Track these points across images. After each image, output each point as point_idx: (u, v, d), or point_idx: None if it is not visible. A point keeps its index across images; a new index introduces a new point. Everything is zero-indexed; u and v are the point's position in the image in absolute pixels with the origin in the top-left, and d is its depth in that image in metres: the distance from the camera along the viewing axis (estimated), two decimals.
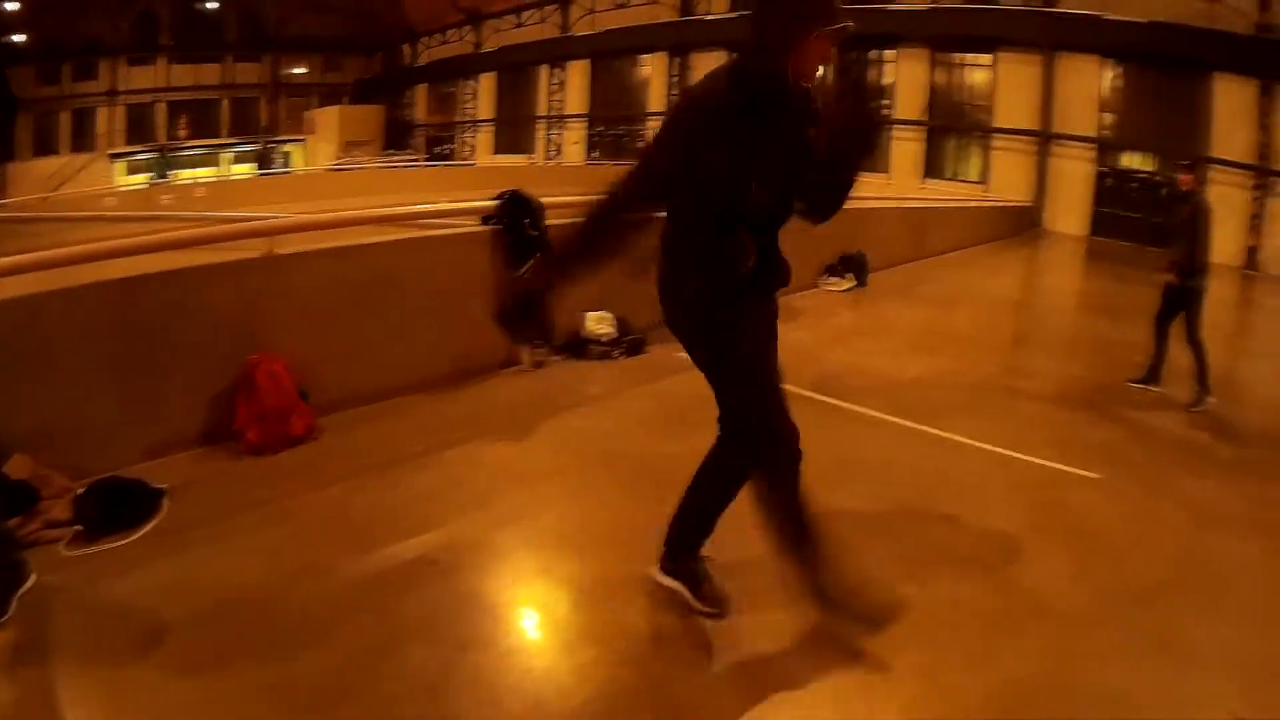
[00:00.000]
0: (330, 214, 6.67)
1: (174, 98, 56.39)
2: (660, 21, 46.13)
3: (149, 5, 53.03)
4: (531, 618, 4.23)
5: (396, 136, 58.83)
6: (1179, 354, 9.50)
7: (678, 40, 45.26)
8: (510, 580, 4.55)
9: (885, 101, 40.14)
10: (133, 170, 52.51)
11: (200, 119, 56.82)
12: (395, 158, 50.67)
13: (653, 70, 47.46)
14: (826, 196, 3.83)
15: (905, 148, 39.26)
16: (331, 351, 6.21)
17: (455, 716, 3.50)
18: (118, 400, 5.31)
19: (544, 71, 51.72)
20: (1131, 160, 36.21)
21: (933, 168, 38.94)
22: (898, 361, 9.71)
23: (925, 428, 7.45)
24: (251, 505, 4.86)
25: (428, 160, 51.28)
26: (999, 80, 37.48)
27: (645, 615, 4.18)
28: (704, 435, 6.21)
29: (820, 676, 3.91)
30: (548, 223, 7.81)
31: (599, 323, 8.37)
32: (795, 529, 4.00)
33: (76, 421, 5.22)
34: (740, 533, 4.22)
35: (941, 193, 27.34)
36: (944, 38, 38.20)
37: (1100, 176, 35.64)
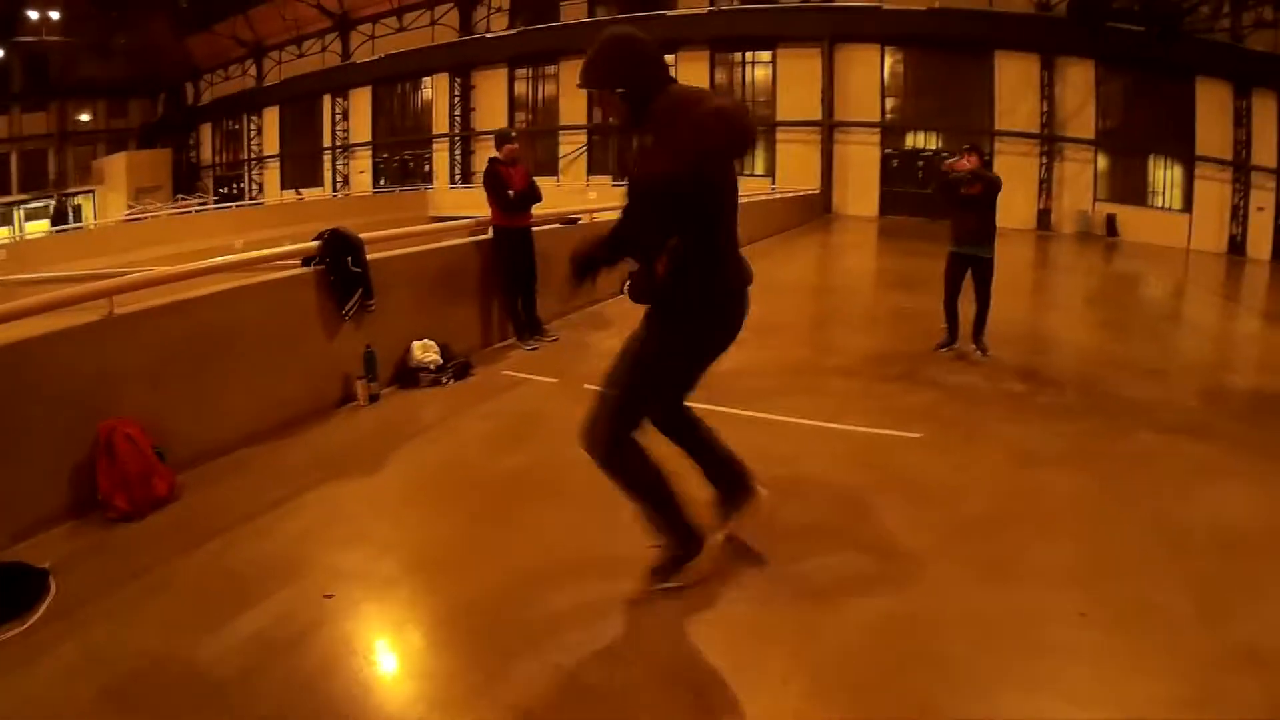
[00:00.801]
0: (163, 269, 6.60)
1: None
2: (440, 43, 46.24)
3: None
4: (442, 636, 4.38)
5: (185, 180, 56.21)
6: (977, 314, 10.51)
7: (458, 60, 45.57)
8: (407, 604, 4.70)
9: None
10: None
11: None
12: (186, 202, 48.44)
13: (435, 92, 47.51)
14: None
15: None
16: (179, 408, 6.19)
17: None
18: None
19: (327, 101, 50.92)
20: (916, 140, 37.80)
21: None
22: (722, 355, 10.09)
23: (751, 413, 7.89)
24: (136, 574, 4.84)
25: (216, 202, 49.22)
26: (780, 75, 38.65)
27: (540, 614, 4.45)
28: (542, 446, 6.73)
29: (712, 630, 4.40)
30: (369, 257, 7.96)
31: (425, 350, 8.55)
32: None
33: None
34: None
35: None
36: (724, 39, 39.09)
37: (886, 158, 37.19)
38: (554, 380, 8.84)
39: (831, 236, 29.28)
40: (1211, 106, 34.52)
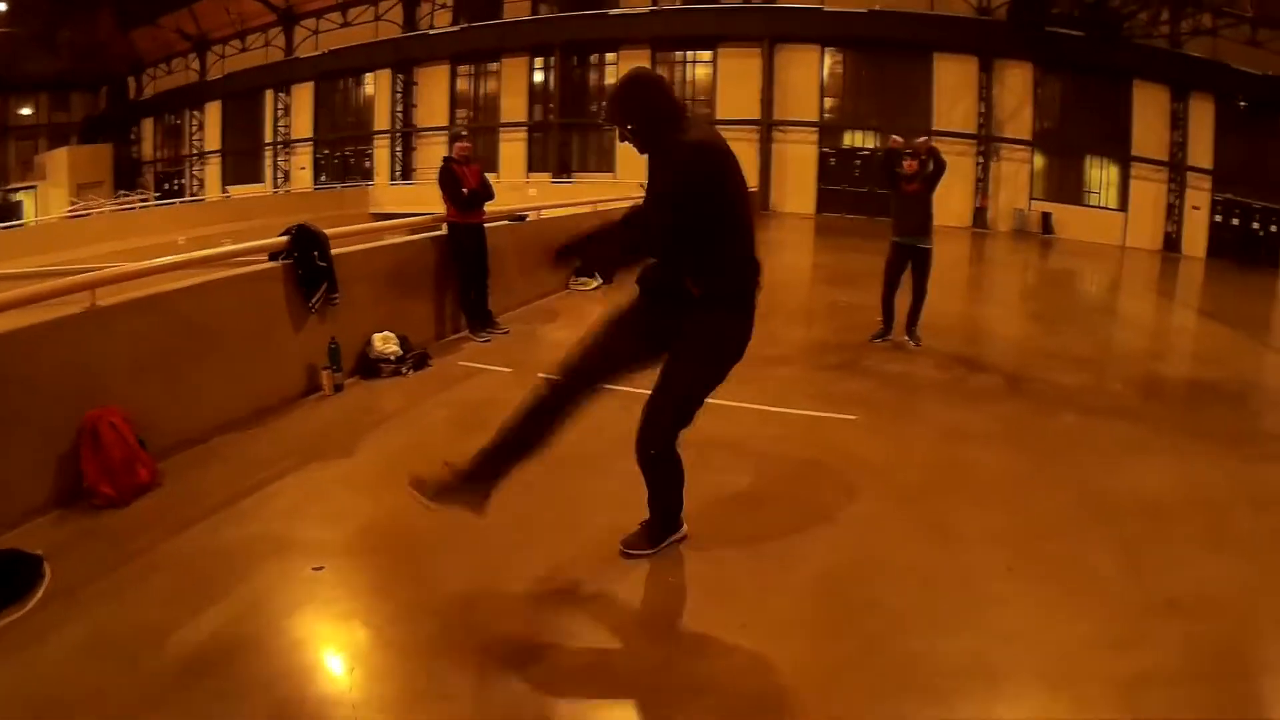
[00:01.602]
0: (142, 263, 6.72)
1: None
2: (383, 39, 45.80)
3: None
4: (426, 599, 4.62)
5: (126, 176, 54.59)
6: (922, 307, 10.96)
7: (401, 56, 45.19)
8: (392, 574, 4.95)
9: (604, 101, 41.31)
10: None
11: None
12: (128, 199, 47.04)
13: (377, 88, 47.02)
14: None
15: (628, 148, 39.99)
16: (158, 398, 6.30)
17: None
18: None
19: (269, 96, 50.00)
20: (854, 139, 38.16)
21: None
22: None
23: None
24: (129, 557, 4.97)
25: (158, 198, 48.20)
26: (720, 74, 38.84)
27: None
28: (491, 433, 6.89)
29: (678, 587, 4.86)
30: (334, 252, 8.18)
31: (385, 342, 8.76)
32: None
33: None
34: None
35: None
36: (665, 38, 39.25)
37: (824, 157, 37.50)
38: (508, 370, 9.14)
39: (769, 234, 29.45)
40: (1148, 109, 35.47)
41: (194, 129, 53.87)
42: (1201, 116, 35.40)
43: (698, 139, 4.69)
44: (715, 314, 4.74)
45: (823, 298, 15.80)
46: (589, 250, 5.00)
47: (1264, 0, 32.89)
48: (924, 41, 36.50)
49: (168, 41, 52.87)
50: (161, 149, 56.67)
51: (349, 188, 45.22)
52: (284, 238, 7.90)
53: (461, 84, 45.68)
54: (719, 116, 38.76)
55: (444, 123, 44.91)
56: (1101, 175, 37.61)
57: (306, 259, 7.86)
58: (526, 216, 13.41)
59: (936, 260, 11.07)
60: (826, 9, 36.92)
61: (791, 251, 25.64)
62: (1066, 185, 37.35)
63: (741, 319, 4.85)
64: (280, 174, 50.40)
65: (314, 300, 7.92)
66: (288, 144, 50.16)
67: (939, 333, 11.24)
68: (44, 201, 51.77)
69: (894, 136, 12.04)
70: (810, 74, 38.12)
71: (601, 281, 14.28)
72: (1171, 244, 35.65)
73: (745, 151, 36.99)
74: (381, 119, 47.07)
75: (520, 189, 36.43)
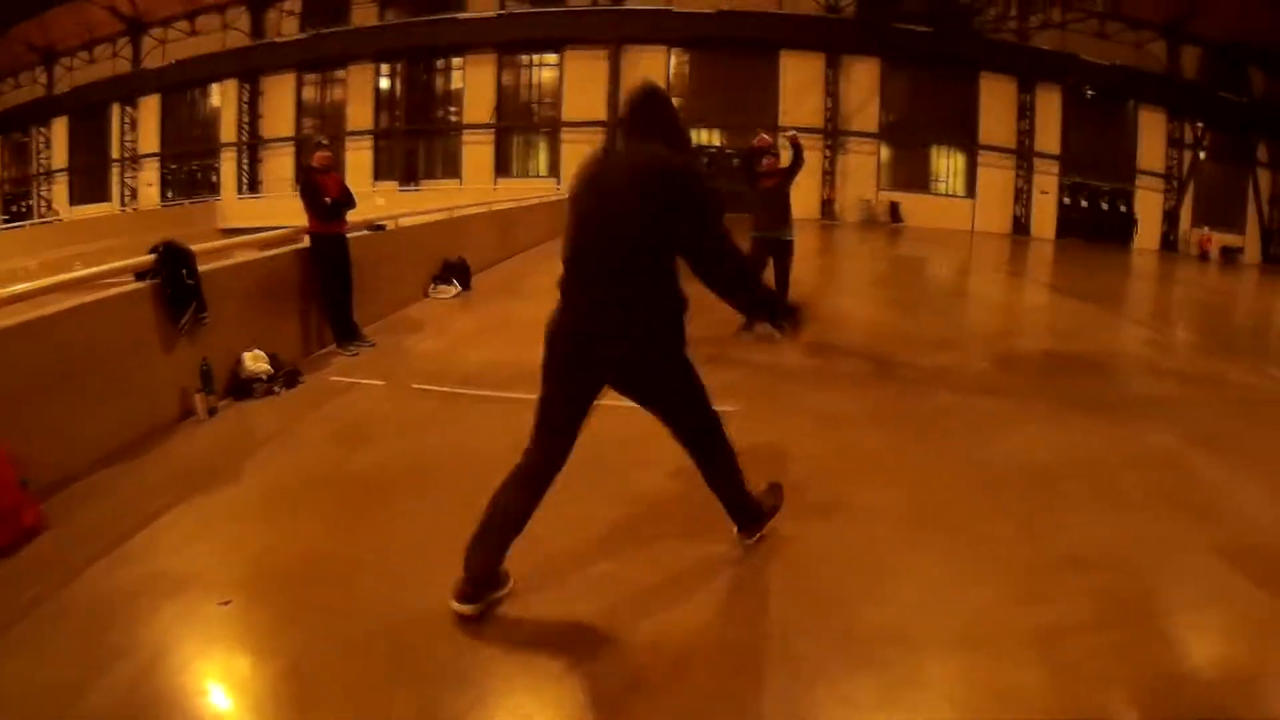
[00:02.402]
0: (10, 288, 6.46)
1: None
2: (230, 49, 44.74)
3: None
4: (352, 633, 4.41)
5: None
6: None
7: (248, 66, 44.18)
8: (300, 603, 4.72)
9: (453, 109, 40.92)
10: None
11: None
12: None
13: (224, 99, 45.93)
14: None
15: (476, 151, 40.55)
16: (33, 433, 5.94)
17: None
18: None
19: (116, 110, 48.36)
20: (701, 137, 38.55)
21: (504, 168, 40.44)
22: (531, 351, 10.31)
23: None
24: (23, 611, 4.60)
25: (7, 221, 46.01)
26: (566, 77, 38.95)
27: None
28: (385, 445, 7.07)
29: (586, 589, 4.86)
30: (202, 269, 7.90)
31: (256, 361, 8.52)
32: None
33: None
34: None
35: (515, 192, 28.29)
36: (512, 42, 39.31)
37: None
38: (381, 383, 9.03)
39: None
40: (996, 100, 37.50)
41: (41, 146, 51.52)
42: (1049, 105, 37.52)
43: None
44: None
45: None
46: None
47: None
48: (772, 40, 37.34)
49: (16, 54, 50.12)
50: (9, 168, 54.10)
51: (197, 203, 43.83)
52: (151, 256, 7.58)
53: (309, 93, 44.96)
54: (565, 119, 38.99)
55: (290, 133, 44.15)
56: (949, 164, 39.04)
57: (174, 277, 7.59)
58: (385, 226, 13.26)
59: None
60: (674, 10, 37.48)
61: None
62: (914, 175, 38.94)
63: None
64: (128, 191, 48.71)
65: (183, 320, 7.64)
66: (135, 159, 48.55)
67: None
68: None
69: (761, 134, 12.22)
70: (657, 75, 38.30)
71: (462, 288, 14.25)
72: (1021, 227, 37.65)
73: None
74: (228, 131, 46.00)
75: (368, 198, 35.46)
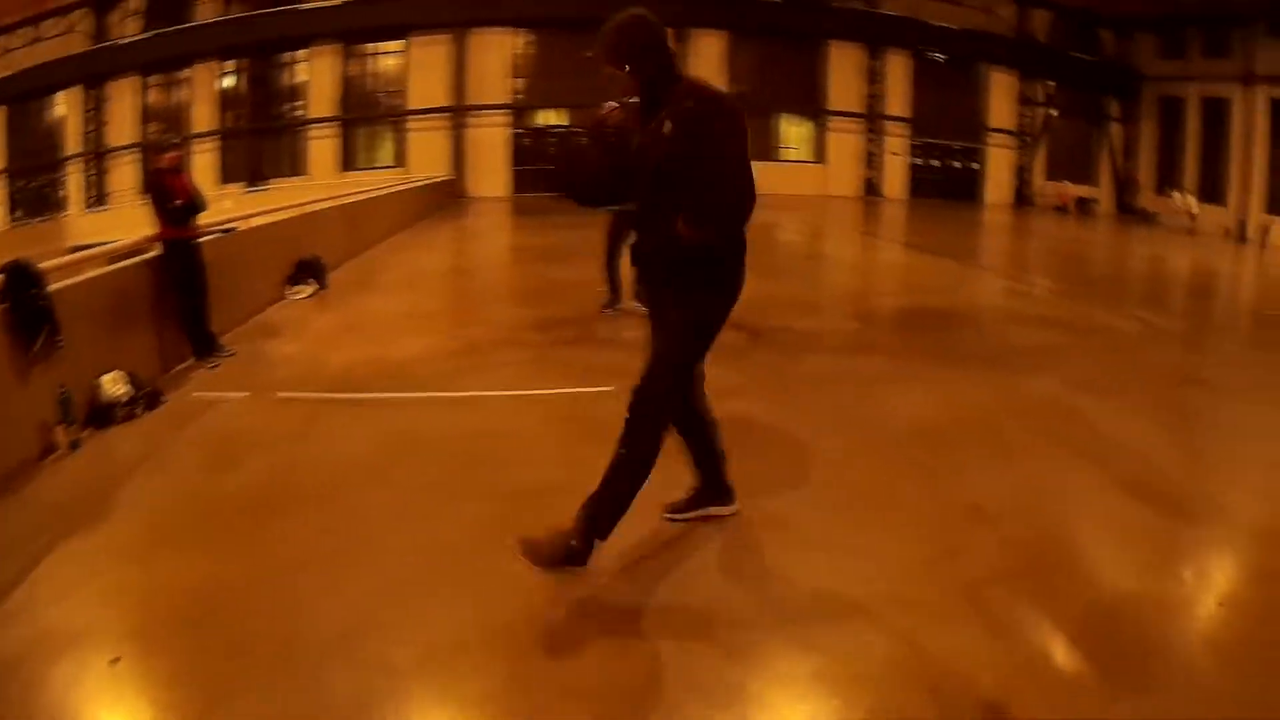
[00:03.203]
0: None
1: None
2: (72, 54, 42.40)
3: None
4: (260, 677, 4.10)
5: None
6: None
7: (91, 71, 42.02)
8: (197, 648, 4.34)
9: (298, 104, 40.07)
10: None
11: None
12: None
13: (69, 108, 43.60)
14: None
15: (322, 144, 39.88)
16: None
17: None
18: None
19: None
20: (546, 118, 38.47)
21: (350, 160, 39.77)
22: (394, 346, 10.41)
23: (451, 393, 8.35)
24: None
25: None
26: (411, 64, 38.52)
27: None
28: (260, 461, 6.86)
29: (493, 601, 4.61)
30: (51, 288, 7.37)
31: (115, 384, 8.06)
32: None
33: None
34: None
35: (362, 183, 27.85)
36: (356, 31, 38.62)
37: (516, 138, 37.68)
38: (245, 395, 8.69)
39: (470, 220, 29.77)
40: (845, 66, 38.33)
41: None
42: (899, 70, 38.58)
43: (712, 91, 4.79)
44: (707, 266, 4.78)
45: (541, 276, 15.86)
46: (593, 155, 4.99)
47: None
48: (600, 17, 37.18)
49: None
50: None
51: (45, 221, 42.04)
52: None
53: (154, 96, 43.06)
54: (411, 107, 38.49)
55: (136, 139, 42.36)
56: (799, 131, 39.81)
57: (24, 300, 7.02)
58: (236, 228, 12.89)
59: None
60: None
61: (497, 234, 26.17)
62: (762, 144, 39.14)
63: (734, 267, 4.93)
64: None
65: (36, 346, 7.08)
66: None
67: None
68: None
69: (609, 103, 12.07)
70: (502, 57, 38.20)
71: (319, 286, 13.97)
72: (873, 189, 38.98)
73: (439, 140, 36.85)
74: (74, 141, 43.64)
75: (215, 202, 34.33)
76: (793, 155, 42.11)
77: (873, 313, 12.64)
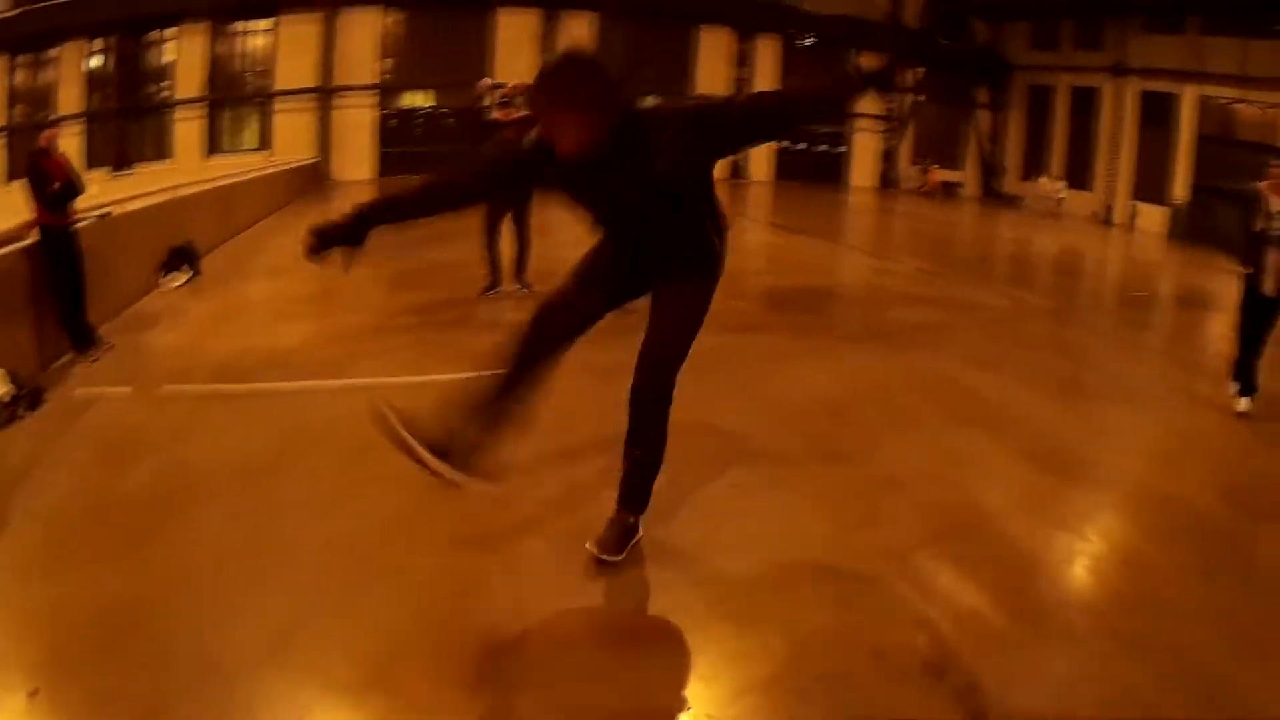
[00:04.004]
0: None
1: None
2: None
3: None
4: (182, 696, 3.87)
5: None
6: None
7: None
8: (123, 672, 4.00)
9: (165, 84, 38.79)
10: None
11: None
12: None
13: None
14: None
15: (188, 127, 38.37)
16: None
17: None
18: None
19: None
20: (414, 99, 38.03)
21: (215, 143, 38.36)
22: (277, 334, 10.19)
23: (340, 381, 8.25)
24: None
25: None
26: (280, 43, 37.53)
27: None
28: (157, 459, 6.56)
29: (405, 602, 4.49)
30: None
31: None
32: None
33: None
34: None
35: (228, 167, 27.10)
36: (226, 8, 37.26)
37: (384, 119, 37.27)
38: (130, 389, 8.33)
39: (340, 203, 28.92)
40: (713, 51, 38.35)
41: None
42: (768, 54, 39.00)
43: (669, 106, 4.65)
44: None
45: (416, 259, 15.54)
46: None
47: None
48: None
49: None
50: None
51: None
52: None
53: (21, 78, 40.90)
54: (279, 88, 37.62)
55: (1, 122, 40.70)
56: None
57: None
58: (110, 213, 12.42)
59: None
60: None
61: None
62: None
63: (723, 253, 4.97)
64: None
65: None
66: None
67: (549, 276, 11.52)
68: None
69: (485, 79, 11.96)
70: (370, 36, 37.55)
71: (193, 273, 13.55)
72: (737, 171, 39.35)
73: (305, 122, 36.09)
74: None
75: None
76: None
77: (759, 293, 12.83)
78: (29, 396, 7.89)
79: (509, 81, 12.14)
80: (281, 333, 10.29)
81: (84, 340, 9.58)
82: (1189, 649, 4.53)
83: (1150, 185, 36.85)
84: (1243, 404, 9.03)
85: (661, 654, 4.22)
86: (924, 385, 8.74)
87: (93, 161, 38.83)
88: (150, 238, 13.53)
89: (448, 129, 37.50)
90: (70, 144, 38.91)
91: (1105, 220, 36.93)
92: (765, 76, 41.96)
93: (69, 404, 8.04)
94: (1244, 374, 9.06)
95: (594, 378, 7.38)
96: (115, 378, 8.73)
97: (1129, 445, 7.97)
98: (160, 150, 39.20)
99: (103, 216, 11.95)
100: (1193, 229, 32.26)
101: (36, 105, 40.66)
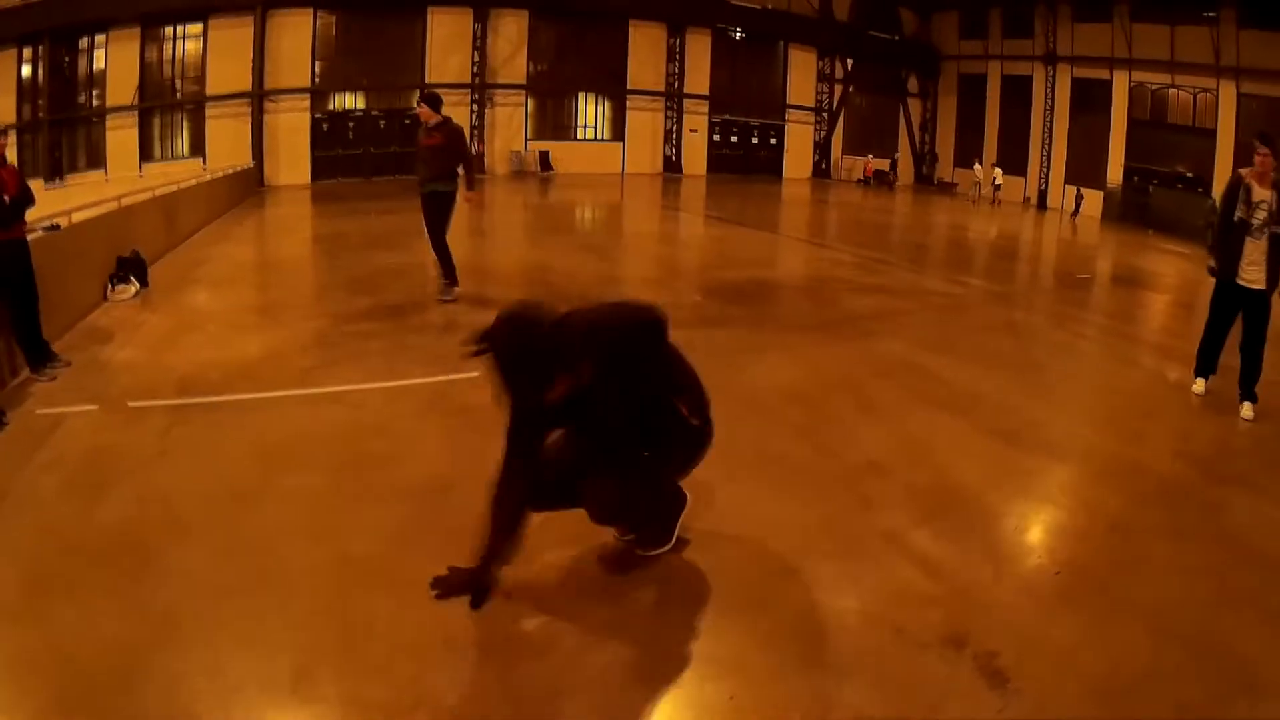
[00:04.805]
0: None
1: None
2: None
3: None
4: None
5: None
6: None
7: None
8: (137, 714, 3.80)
9: (96, 92, 38.09)
10: None
11: None
12: None
13: None
14: None
15: (120, 137, 37.64)
16: None
17: None
18: None
19: None
20: (346, 101, 37.83)
21: (148, 153, 37.70)
22: (238, 344, 9.95)
23: (311, 390, 8.11)
24: None
25: None
26: (211, 48, 37.03)
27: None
28: (126, 487, 6.20)
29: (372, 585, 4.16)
30: None
31: None
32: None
33: None
34: None
35: (162, 176, 26.61)
36: (155, 13, 36.66)
37: (316, 123, 37.09)
38: (94, 407, 7.94)
39: (278, 209, 28.81)
40: (645, 45, 38.67)
41: None
42: (699, 49, 39.30)
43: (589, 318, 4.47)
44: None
45: (366, 263, 15.48)
46: None
47: None
48: None
49: None
50: None
51: None
52: None
53: None
54: (210, 93, 37.14)
55: None
56: (599, 110, 40.38)
57: None
58: (60, 225, 12.17)
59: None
60: None
61: (310, 223, 25.28)
62: (563, 123, 39.69)
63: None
64: None
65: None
66: None
67: (499, 279, 11.57)
68: None
69: (420, 106, 12.19)
70: (302, 39, 37.24)
71: (141, 285, 13.35)
72: (672, 166, 39.82)
73: (238, 127, 35.81)
74: None
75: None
76: (592, 134, 42.67)
77: (711, 286, 12.94)
78: None
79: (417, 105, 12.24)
80: (243, 343, 10.06)
81: (40, 357, 9.18)
82: (1175, 605, 4.87)
83: (1084, 171, 37.57)
84: (1199, 385, 9.22)
85: (679, 643, 4.26)
86: (887, 371, 8.90)
87: (24, 173, 38.05)
88: (98, 249, 13.20)
89: (379, 131, 37.47)
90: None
91: (1039, 205, 37.66)
92: (697, 71, 42.43)
93: (34, 425, 7.55)
94: (1207, 360, 9.20)
95: None
96: (78, 396, 8.29)
97: (1090, 418, 8.32)
98: (93, 159, 38.53)
99: (52, 228, 11.66)
100: (1126, 211, 33.03)
101: None
